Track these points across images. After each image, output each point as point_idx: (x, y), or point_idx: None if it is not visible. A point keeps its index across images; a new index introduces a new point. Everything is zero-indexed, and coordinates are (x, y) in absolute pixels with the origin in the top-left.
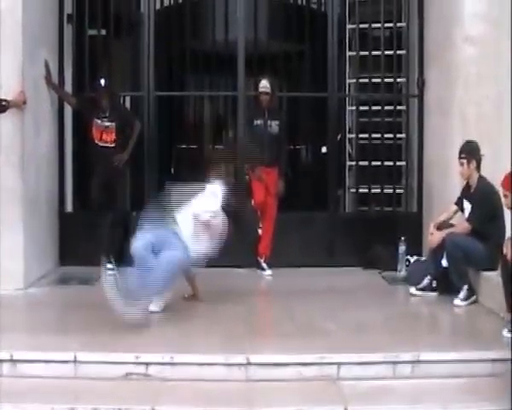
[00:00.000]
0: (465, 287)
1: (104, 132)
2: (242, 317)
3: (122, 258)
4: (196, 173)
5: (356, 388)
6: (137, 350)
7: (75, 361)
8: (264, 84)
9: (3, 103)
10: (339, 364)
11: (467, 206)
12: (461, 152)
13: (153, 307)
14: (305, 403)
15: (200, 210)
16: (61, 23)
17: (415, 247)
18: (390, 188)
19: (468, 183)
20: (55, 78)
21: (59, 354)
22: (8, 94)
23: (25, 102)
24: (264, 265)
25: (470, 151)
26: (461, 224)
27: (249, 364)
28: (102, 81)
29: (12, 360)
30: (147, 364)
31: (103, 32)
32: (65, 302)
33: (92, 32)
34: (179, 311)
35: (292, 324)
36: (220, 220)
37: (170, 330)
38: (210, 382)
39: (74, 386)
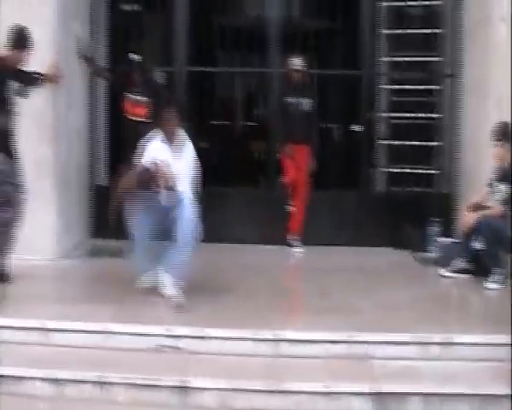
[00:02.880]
0: (498, 270)
1: (136, 107)
2: (272, 293)
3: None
4: (226, 149)
5: (385, 367)
6: (168, 323)
7: (106, 332)
8: (297, 62)
9: (39, 78)
10: (368, 343)
11: (501, 188)
12: (494, 134)
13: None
14: (332, 381)
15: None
16: None
17: (446, 228)
18: (422, 168)
19: (502, 165)
20: (88, 52)
21: (90, 324)
22: (42, 67)
23: (59, 76)
24: (295, 242)
25: (504, 133)
26: (495, 206)
27: (278, 340)
28: (135, 56)
29: (44, 329)
30: (177, 337)
31: (136, 6)
32: (95, 274)
33: (125, 6)
34: (209, 286)
35: (322, 301)
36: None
37: (200, 305)
38: (239, 356)
39: (105, 356)
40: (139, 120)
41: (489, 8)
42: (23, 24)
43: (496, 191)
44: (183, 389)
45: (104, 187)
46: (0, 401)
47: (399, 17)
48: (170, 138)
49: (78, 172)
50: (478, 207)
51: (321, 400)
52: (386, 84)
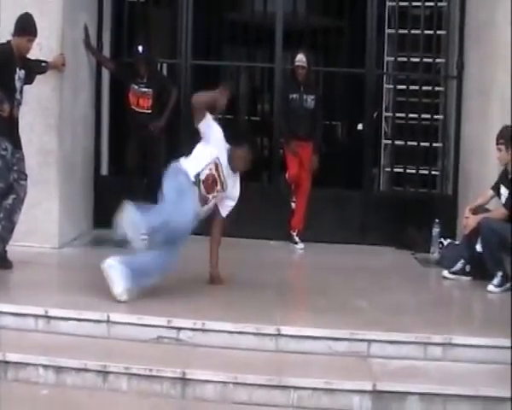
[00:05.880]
0: (499, 273)
1: (141, 98)
2: (274, 289)
3: None
4: (230, 143)
5: (385, 366)
6: (169, 315)
7: (108, 321)
8: (301, 58)
9: (43, 64)
10: (369, 341)
11: (504, 191)
12: (499, 138)
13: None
14: (333, 377)
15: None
16: None
17: (449, 230)
18: (425, 169)
19: (505, 168)
20: (93, 42)
21: (92, 313)
22: (48, 56)
23: (64, 65)
24: (297, 238)
25: (509, 137)
26: (497, 209)
27: (280, 335)
28: (140, 48)
29: (47, 316)
30: (178, 329)
31: None
32: (98, 264)
33: None
34: (212, 281)
35: (324, 299)
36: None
37: (202, 299)
38: (240, 350)
39: (107, 345)
40: (143, 111)
41: (494, 10)
42: (30, 12)
43: (499, 194)
44: (184, 380)
45: (107, 178)
46: (4, 386)
47: (404, 17)
48: None
49: (83, 162)
50: (480, 209)
51: (321, 396)
52: (391, 83)
